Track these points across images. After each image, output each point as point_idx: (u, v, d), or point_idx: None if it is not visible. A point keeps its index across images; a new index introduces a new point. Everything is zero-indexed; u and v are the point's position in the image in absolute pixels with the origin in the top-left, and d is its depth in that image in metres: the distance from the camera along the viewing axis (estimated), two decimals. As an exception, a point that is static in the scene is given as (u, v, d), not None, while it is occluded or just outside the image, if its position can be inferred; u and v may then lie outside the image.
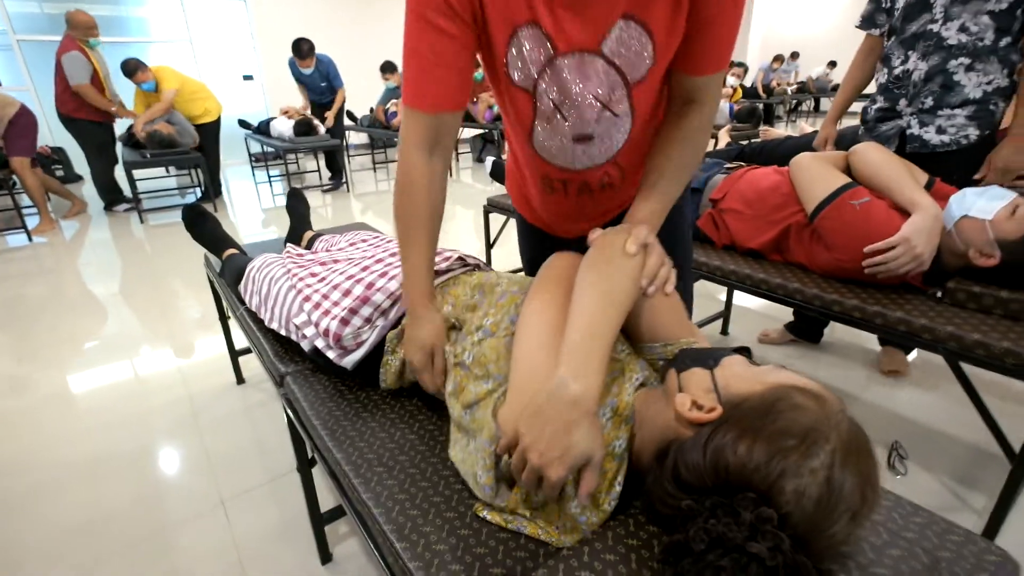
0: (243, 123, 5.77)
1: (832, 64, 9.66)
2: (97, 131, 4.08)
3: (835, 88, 9.58)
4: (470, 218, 4.01)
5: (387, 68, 5.63)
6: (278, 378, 1.00)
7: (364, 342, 0.89)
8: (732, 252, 1.50)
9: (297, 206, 1.68)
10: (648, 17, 0.65)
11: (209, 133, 4.44)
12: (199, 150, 4.29)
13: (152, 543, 1.23)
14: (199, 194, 4.64)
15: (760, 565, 0.44)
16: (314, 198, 4.81)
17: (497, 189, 4.57)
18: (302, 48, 4.45)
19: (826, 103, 10.19)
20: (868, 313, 1.15)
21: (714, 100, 0.75)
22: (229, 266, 1.36)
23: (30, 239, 3.67)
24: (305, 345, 0.95)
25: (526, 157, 0.86)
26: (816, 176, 1.25)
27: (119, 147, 4.42)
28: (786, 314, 2.12)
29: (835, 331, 2.07)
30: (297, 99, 5.18)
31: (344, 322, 0.88)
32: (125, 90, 4.32)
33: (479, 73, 5.37)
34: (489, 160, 2.53)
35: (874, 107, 1.55)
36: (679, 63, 0.71)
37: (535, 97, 0.73)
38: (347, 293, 0.92)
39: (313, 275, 1.01)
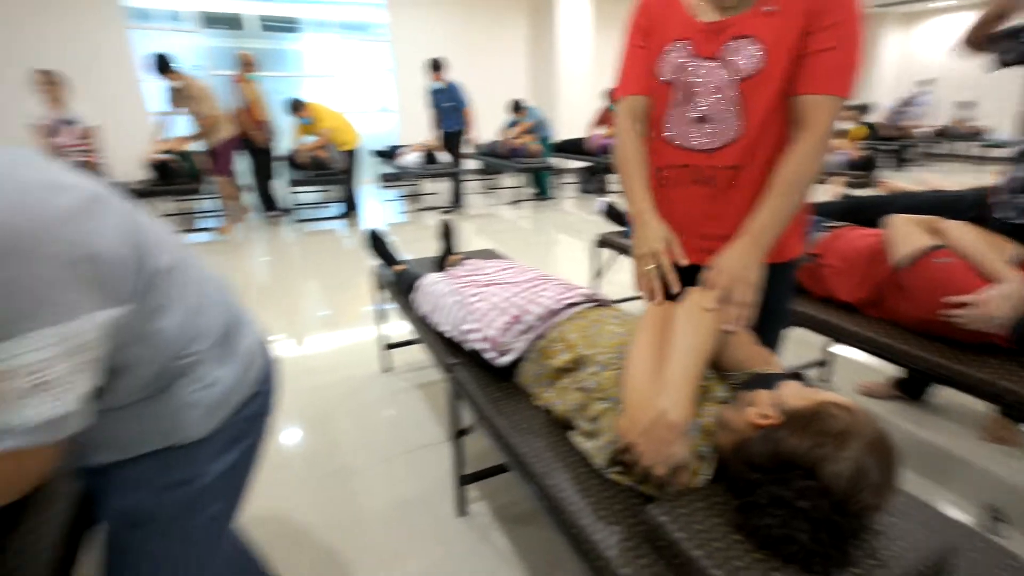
0: (377, 152, 6.55)
1: (966, 105, 8.69)
2: (259, 149, 5.04)
3: (976, 134, 8.67)
4: (573, 247, 4.33)
5: (516, 108, 6.17)
6: (447, 366, 1.35)
7: (514, 348, 1.22)
8: (829, 304, 1.64)
9: (449, 234, 2.09)
10: (757, 32, 0.92)
11: (349, 159, 5.24)
12: (343, 172, 5.09)
13: (332, 481, 1.64)
14: (343, 208, 5.41)
15: (805, 517, 0.67)
16: (431, 218, 5.40)
17: (599, 222, 4.85)
18: (437, 63, 5.25)
19: (961, 146, 9.12)
20: (972, 379, 1.22)
21: (823, 126, 0.91)
22: (402, 279, 1.77)
23: (214, 237, 4.58)
24: (467, 347, 1.29)
25: (653, 152, 1.11)
26: (906, 235, 1.40)
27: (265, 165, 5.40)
28: (885, 367, 2.17)
29: (944, 391, 2.06)
30: (424, 133, 5.88)
31: (502, 333, 1.21)
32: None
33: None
34: (601, 202, 2.83)
35: (1017, 175, 1.51)
36: (792, 84, 0.92)
37: (672, 89, 1.02)
38: (503, 312, 1.25)
39: (475, 295, 1.36)
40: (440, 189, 6.38)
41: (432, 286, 1.51)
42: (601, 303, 1.28)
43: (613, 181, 7.09)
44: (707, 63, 0.98)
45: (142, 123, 6.20)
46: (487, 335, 1.23)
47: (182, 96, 4.40)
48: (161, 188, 4.66)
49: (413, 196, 6.50)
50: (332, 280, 3.57)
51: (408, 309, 1.70)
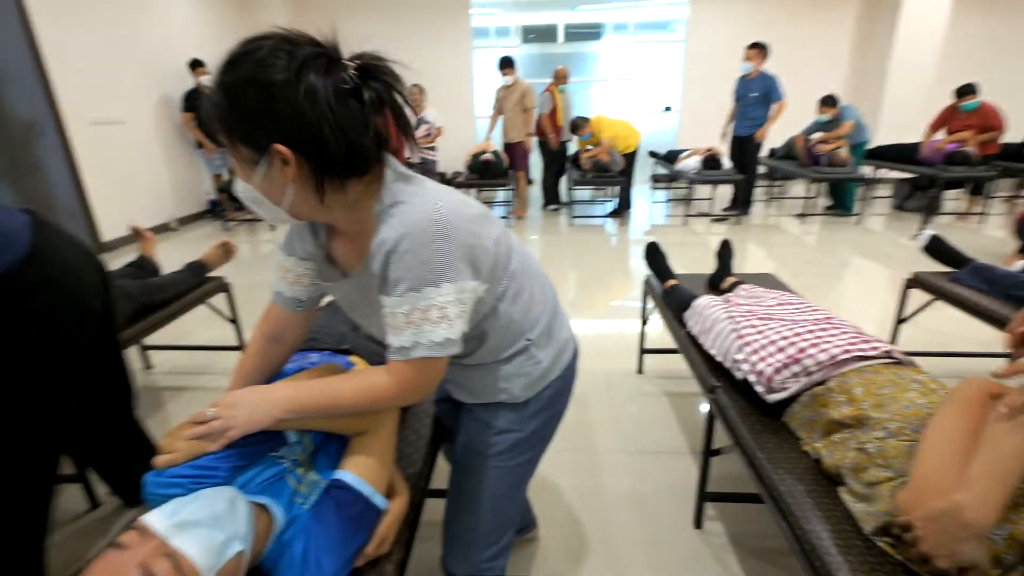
0: (652, 153, 6.64)
1: None
2: (553, 151, 5.69)
3: None
4: (872, 276, 3.70)
5: (827, 102, 5.35)
6: (709, 387, 1.43)
7: (787, 389, 1.22)
8: None
9: (726, 254, 2.10)
10: None
11: (629, 160, 5.49)
12: (621, 173, 5.37)
13: (584, 456, 1.90)
14: (615, 206, 5.76)
15: None
16: (700, 224, 5.27)
17: (912, 252, 4.00)
18: (759, 46, 4.93)
19: None
20: None
21: None
22: (674, 295, 1.88)
23: (509, 220, 5.45)
24: (738, 375, 1.34)
25: None
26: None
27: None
28: None
29: None
30: (706, 135, 5.71)
31: (777, 371, 1.23)
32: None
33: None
34: (927, 234, 2.28)
35: None
36: None
37: None
38: (781, 350, 1.25)
39: (752, 327, 1.39)
40: (715, 195, 6.15)
41: (707, 309, 1.59)
42: (900, 361, 1.17)
43: (949, 199, 5.69)
44: None
45: (468, 128, 7.67)
46: (759, 369, 1.26)
47: (509, 94, 5.34)
48: (478, 181, 5.69)
49: (685, 200, 6.42)
50: (594, 273, 3.90)
51: (674, 323, 1.80)
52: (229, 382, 0.97)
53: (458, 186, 5.36)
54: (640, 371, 2.47)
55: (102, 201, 4.73)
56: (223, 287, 2.40)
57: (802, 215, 5.50)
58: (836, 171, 5.02)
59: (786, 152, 5.90)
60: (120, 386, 1.49)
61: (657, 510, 1.65)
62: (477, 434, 0.98)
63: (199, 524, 0.67)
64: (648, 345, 2.45)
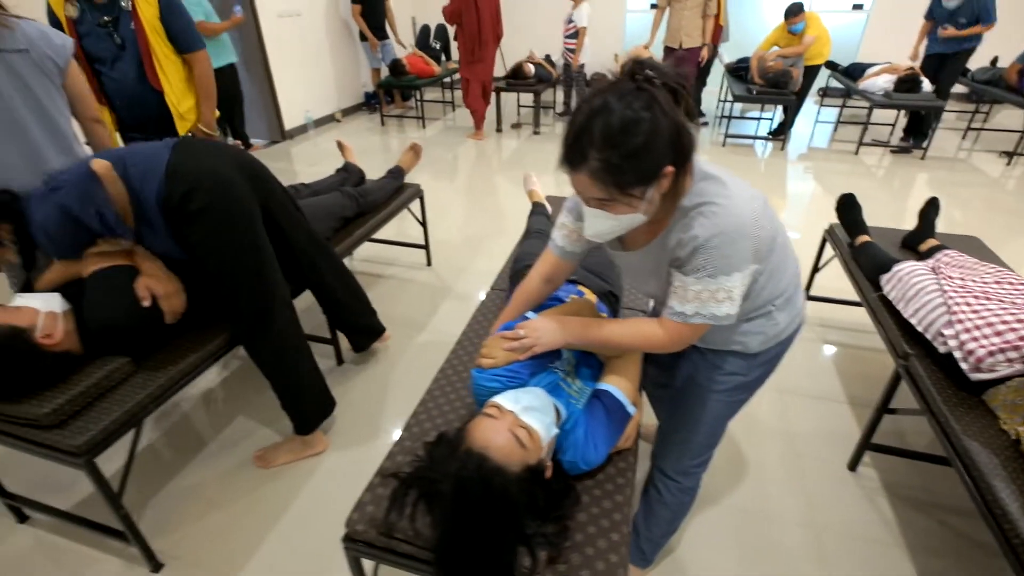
0: (830, 64, 5.74)
1: None
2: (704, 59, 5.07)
3: None
4: (1086, 239, 3.22)
5: None
6: (901, 353, 1.50)
7: (996, 372, 1.27)
8: None
9: (932, 213, 2.00)
10: None
11: (810, 75, 4.86)
12: (796, 94, 4.79)
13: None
14: (773, 127, 5.27)
15: None
16: (871, 156, 4.73)
17: None
18: None
19: None
20: None
21: None
22: (869, 254, 1.86)
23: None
24: (941, 349, 1.39)
25: None
26: None
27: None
28: None
29: None
30: (899, 44, 4.88)
31: (991, 354, 1.27)
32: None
33: None
34: None
35: None
36: None
37: None
38: (999, 334, 1.28)
39: (967, 305, 1.40)
40: (896, 120, 5.36)
41: (913, 277, 1.58)
42: None
43: None
44: None
45: (619, 32, 7.11)
46: (970, 348, 1.30)
47: None
48: None
49: (858, 123, 5.70)
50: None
51: (863, 281, 1.82)
52: (505, 306, 1.24)
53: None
54: (798, 315, 2.51)
55: (284, 92, 5.25)
56: (418, 193, 2.73)
57: (1008, 153, 4.70)
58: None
59: (993, 76, 4.92)
60: (319, 259, 1.84)
61: (811, 447, 1.82)
62: (705, 372, 1.18)
63: (536, 409, 0.97)
64: (813, 292, 2.47)
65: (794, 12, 4.59)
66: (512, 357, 1.04)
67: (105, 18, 1.91)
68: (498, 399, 0.99)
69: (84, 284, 1.39)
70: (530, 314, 1.15)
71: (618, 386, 1.11)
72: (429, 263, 3.01)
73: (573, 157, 0.81)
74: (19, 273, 1.65)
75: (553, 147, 5.07)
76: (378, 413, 1.99)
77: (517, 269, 1.62)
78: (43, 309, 1.30)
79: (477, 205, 3.85)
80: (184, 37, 2.03)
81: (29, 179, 1.45)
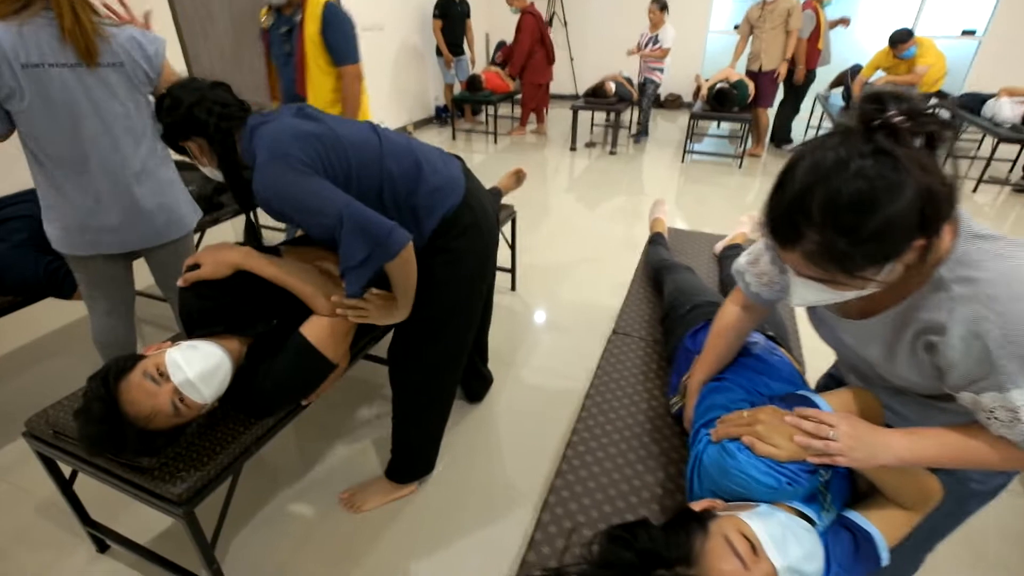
0: (940, 93, 5.27)
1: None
2: (798, 82, 4.83)
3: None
4: None
5: None
6: None
7: None
8: None
9: None
10: None
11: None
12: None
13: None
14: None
15: None
16: (987, 192, 4.25)
17: None
18: None
19: None
20: None
21: None
22: None
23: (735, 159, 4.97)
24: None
25: None
26: None
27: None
28: None
29: None
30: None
31: None
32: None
33: None
34: None
35: None
36: None
37: None
38: None
39: None
40: (1019, 155, 4.77)
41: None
42: None
43: None
44: None
45: (697, 53, 6.87)
46: None
47: (769, 12, 4.43)
48: (714, 114, 4.96)
49: (973, 158, 5.20)
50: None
51: None
52: (695, 372, 1.02)
53: (694, 117, 4.91)
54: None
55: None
56: (512, 215, 2.56)
57: None
58: None
59: None
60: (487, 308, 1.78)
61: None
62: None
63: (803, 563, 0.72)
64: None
65: (901, 39, 4.27)
66: (801, 455, 0.79)
67: (285, 28, 2.19)
68: (759, 530, 0.73)
69: (287, 328, 1.20)
70: (816, 398, 0.86)
71: (883, 531, 0.82)
72: (513, 287, 2.83)
73: (783, 233, 0.62)
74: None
75: (628, 168, 4.87)
76: (481, 463, 1.79)
77: (680, 315, 1.40)
78: (191, 395, 1.03)
79: (557, 227, 3.67)
80: (339, 49, 2.18)
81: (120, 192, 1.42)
